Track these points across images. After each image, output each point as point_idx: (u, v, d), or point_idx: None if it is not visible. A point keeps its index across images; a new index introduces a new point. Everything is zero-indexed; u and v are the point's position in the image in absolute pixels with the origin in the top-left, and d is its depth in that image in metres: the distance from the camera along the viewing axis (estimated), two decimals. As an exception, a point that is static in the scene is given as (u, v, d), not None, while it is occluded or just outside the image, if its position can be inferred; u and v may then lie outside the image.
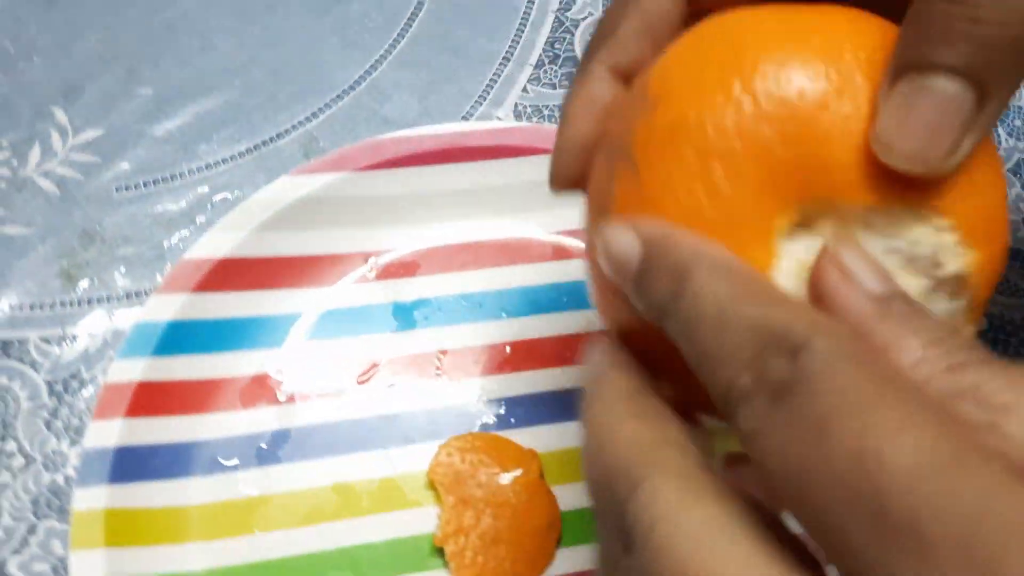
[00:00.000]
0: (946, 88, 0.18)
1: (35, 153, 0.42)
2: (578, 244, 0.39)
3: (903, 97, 0.19)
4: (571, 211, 0.39)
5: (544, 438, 0.36)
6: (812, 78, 0.19)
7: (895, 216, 0.20)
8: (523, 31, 0.46)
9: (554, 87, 0.44)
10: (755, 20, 0.21)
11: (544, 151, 0.39)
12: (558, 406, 0.37)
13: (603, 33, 0.24)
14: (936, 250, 0.20)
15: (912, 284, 0.20)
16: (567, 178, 0.25)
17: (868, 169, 0.19)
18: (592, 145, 0.24)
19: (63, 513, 0.35)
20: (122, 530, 0.33)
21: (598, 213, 0.23)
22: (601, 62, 0.24)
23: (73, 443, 0.36)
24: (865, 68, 0.20)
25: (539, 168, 0.38)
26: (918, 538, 0.13)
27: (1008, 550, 0.13)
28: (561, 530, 0.34)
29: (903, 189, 0.20)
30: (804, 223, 0.20)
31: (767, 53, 0.20)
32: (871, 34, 0.20)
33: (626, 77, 0.24)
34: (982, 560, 0.13)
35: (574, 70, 0.44)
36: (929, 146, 0.19)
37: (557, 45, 0.46)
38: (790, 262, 0.20)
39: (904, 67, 0.19)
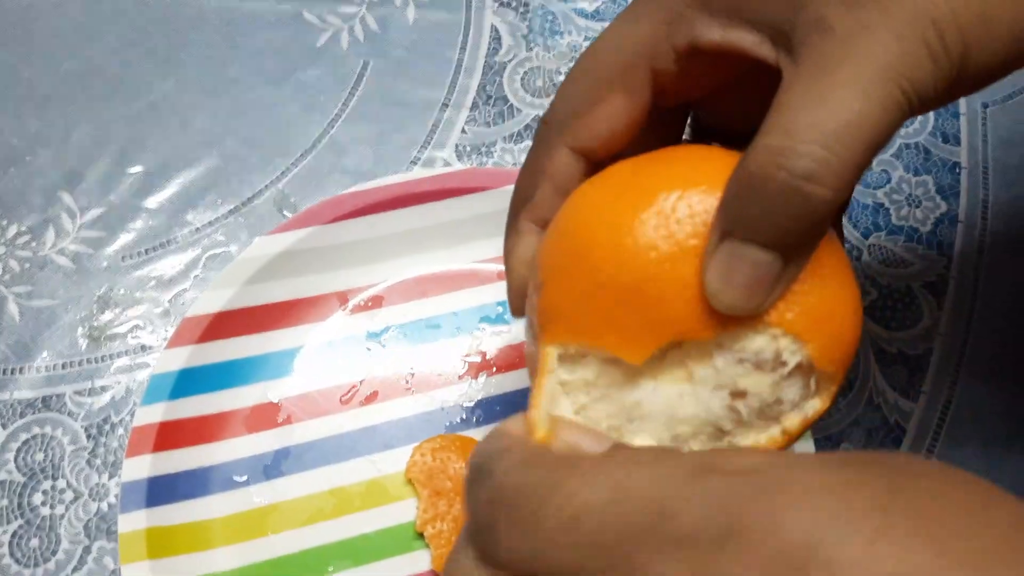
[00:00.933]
0: (757, 256, 0.22)
1: (50, 234, 0.46)
2: None
3: (725, 258, 0.22)
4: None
5: (501, 433, 0.42)
6: (646, 252, 0.23)
7: (738, 335, 0.24)
8: (457, 78, 0.51)
9: (488, 126, 0.50)
10: (599, 195, 0.26)
11: (480, 189, 0.44)
12: (511, 405, 0.42)
13: (522, 196, 0.30)
14: (776, 352, 0.24)
15: (765, 380, 0.24)
16: (520, 308, 0.30)
17: (705, 313, 0.23)
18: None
19: (111, 534, 0.40)
20: (160, 544, 0.38)
21: (530, 327, 0.27)
22: (526, 219, 0.29)
23: (111, 476, 0.41)
24: (698, 228, 0.23)
25: (478, 204, 0.44)
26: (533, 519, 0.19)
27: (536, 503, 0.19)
28: None
29: (736, 318, 0.23)
30: (664, 352, 0.24)
31: (606, 234, 0.24)
32: (710, 178, 0.24)
33: (546, 227, 0.29)
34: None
35: (504, 108, 0.50)
36: (746, 299, 0.23)
37: (488, 87, 0.50)
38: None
39: (725, 233, 0.22)
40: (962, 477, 0.19)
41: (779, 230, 0.22)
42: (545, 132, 0.29)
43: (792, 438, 0.26)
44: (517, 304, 0.30)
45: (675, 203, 0.24)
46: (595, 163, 0.29)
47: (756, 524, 0.17)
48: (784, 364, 0.24)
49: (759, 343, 0.24)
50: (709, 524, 0.18)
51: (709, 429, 0.25)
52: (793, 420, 0.25)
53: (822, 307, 0.24)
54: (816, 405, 0.25)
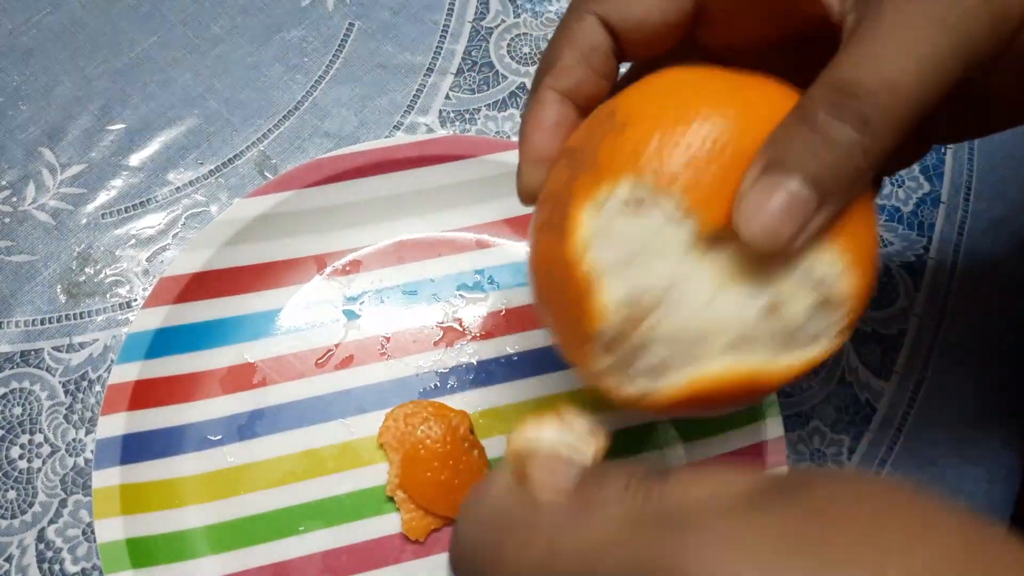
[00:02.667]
0: (795, 187, 0.23)
1: (31, 190, 0.46)
2: (494, 236, 0.45)
3: (765, 186, 0.23)
4: (488, 208, 0.45)
5: (474, 400, 0.42)
6: (739, 138, 0.24)
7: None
8: (443, 43, 0.50)
9: (473, 92, 0.49)
10: (703, 78, 0.26)
11: (462, 157, 0.44)
12: (485, 373, 0.43)
13: (547, 64, 0.29)
14: (824, 275, 0.24)
15: (804, 299, 0.24)
16: (532, 186, 0.28)
17: None
18: (549, 158, 0.28)
19: (87, 488, 0.41)
20: (134, 500, 0.39)
21: (553, 210, 0.26)
22: (549, 87, 0.28)
23: (88, 432, 0.42)
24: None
25: (459, 172, 0.44)
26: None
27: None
28: None
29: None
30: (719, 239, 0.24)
31: (710, 109, 0.24)
32: (781, 104, 0.24)
33: (570, 98, 0.28)
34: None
35: (490, 75, 0.50)
36: (775, 231, 0.23)
37: (474, 53, 0.50)
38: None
39: (772, 163, 0.23)
40: (902, 501, 0.19)
41: (821, 166, 0.23)
42: (578, 1, 0.29)
43: (795, 375, 0.26)
44: (528, 180, 0.29)
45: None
46: (621, 49, 0.28)
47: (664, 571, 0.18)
48: (826, 286, 0.24)
49: (811, 260, 0.24)
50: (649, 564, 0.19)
51: (731, 336, 0.25)
52: (805, 354, 0.26)
53: (867, 248, 0.25)
54: (828, 345, 0.26)
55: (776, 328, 0.25)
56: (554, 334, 0.28)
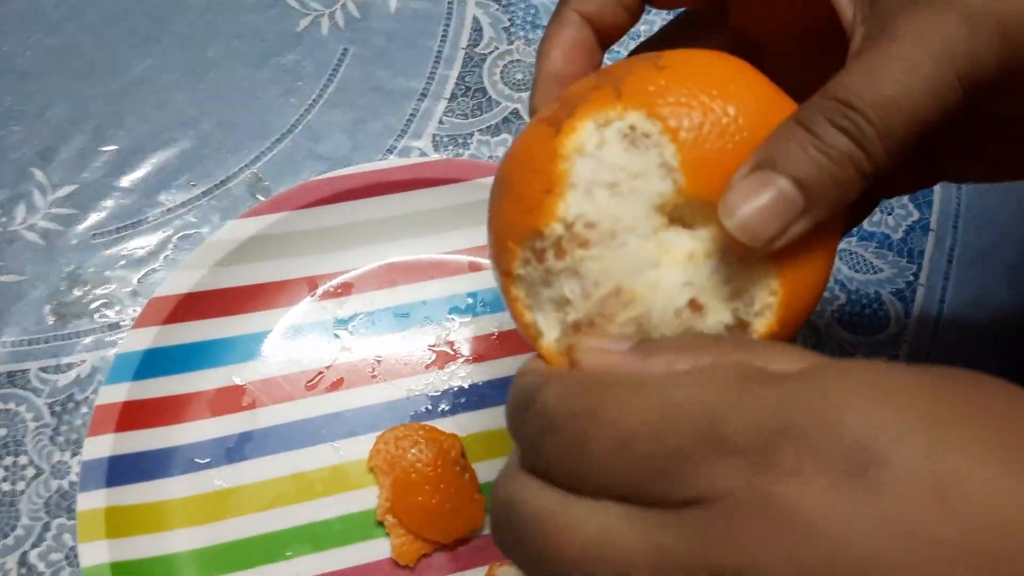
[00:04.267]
0: (786, 188, 0.23)
1: (20, 210, 0.46)
2: (487, 259, 0.44)
3: (755, 181, 0.23)
4: (481, 231, 0.45)
5: (465, 424, 0.42)
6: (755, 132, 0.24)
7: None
8: (437, 68, 0.51)
9: (466, 117, 0.50)
10: (746, 69, 0.26)
11: (455, 180, 0.44)
12: (477, 396, 0.43)
13: None
14: (752, 298, 0.25)
15: (724, 311, 0.25)
16: (544, 100, 0.29)
17: None
18: (564, 76, 0.29)
19: (71, 512, 0.40)
20: (119, 523, 0.38)
21: (560, 109, 0.26)
22: (572, 9, 0.29)
23: (74, 454, 0.41)
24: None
25: (452, 195, 0.45)
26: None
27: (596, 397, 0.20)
28: (486, 499, 0.39)
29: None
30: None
31: (748, 94, 0.25)
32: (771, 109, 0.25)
33: (591, 23, 0.29)
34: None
35: (483, 100, 0.50)
36: (757, 225, 0.23)
37: (468, 79, 0.51)
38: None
39: (765, 161, 0.23)
40: None
41: (812, 171, 0.23)
42: None
43: None
44: (541, 94, 0.29)
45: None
46: None
47: (812, 426, 0.18)
48: (747, 318, 0.25)
49: (752, 283, 0.25)
50: (762, 429, 0.18)
51: (639, 312, 0.25)
52: None
53: (803, 297, 0.25)
54: None
55: (681, 328, 0.25)
56: (496, 220, 0.27)
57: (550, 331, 0.26)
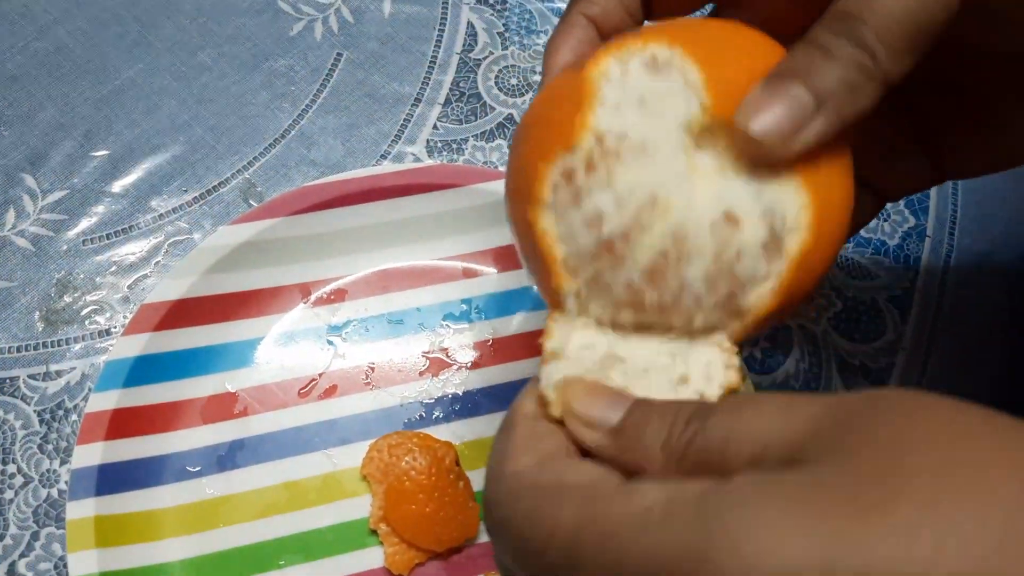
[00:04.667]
0: (797, 91, 0.24)
1: (10, 215, 0.46)
2: (482, 265, 0.45)
3: (768, 88, 0.24)
4: (476, 237, 0.45)
5: (460, 431, 0.42)
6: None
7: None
8: (431, 74, 0.50)
9: (460, 123, 0.49)
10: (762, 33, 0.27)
11: (449, 186, 0.44)
12: (471, 403, 0.42)
13: None
14: (786, 216, 0.25)
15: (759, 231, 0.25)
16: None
17: None
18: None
19: (60, 521, 0.40)
20: (109, 533, 0.38)
21: (583, 58, 0.27)
22: (580, 12, 0.30)
23: (63, 462, 0.41)
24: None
25: (446, 201, 0.44)
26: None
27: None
28: (480, 508, 0.39)
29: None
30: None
31: (765, 43, 0.26)
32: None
33: (597, 25, 0.30)
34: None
35: (477, 106, 0.50)
36: (774, 125, 0.24)
37: (462, 84, 0.50)
38: None
39: (777, 72, 0.25)
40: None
41: (820, 74, 0.24)
42: None
43: (743, 333, 0.26)
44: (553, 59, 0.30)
45: None
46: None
47: (719, 547, 0.18)
48: (781, 232, 0.25)
49: (779, 195, 0.25)
50: (681, 551, 0.19)
51: (673, 223, 0.25)
52: (746, 312, 0.26)
53: (832, 207, 0.26)
54: (766, 299, 0.26)
55: (718, 245, 0.25)
56: (521, 156, 0.27)
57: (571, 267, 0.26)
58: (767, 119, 0.24)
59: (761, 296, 0.25)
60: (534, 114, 0.28)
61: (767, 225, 0.25)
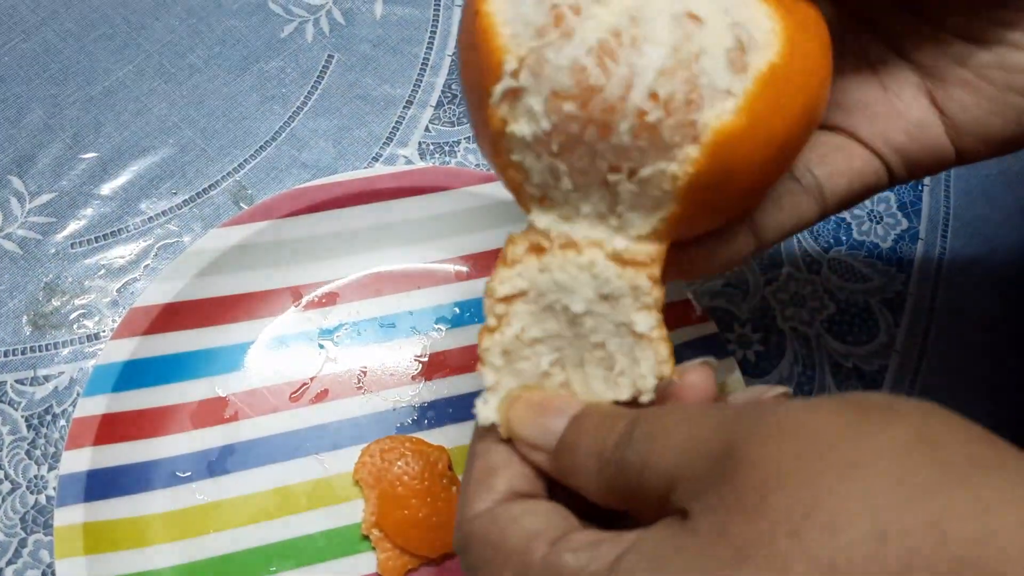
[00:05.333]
0: None
1: (-3, 218, 0.45)
2: (474, 268, 0.44)
3: None
4: (467, 240, 0.44)
5: (452, 435, 0.41)
6: None
7: None
8: (423, 75, 0.50)
9: (452, 125, 0.49)
10: None
11: (440, 188, 0.43)
12: (464, 407, 0.42)
13: None
14: (753, 25, 0.23)
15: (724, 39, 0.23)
16: None
17: None
18: None
19: (48, 527, 0.39)
20: (98, 539, 0.37)
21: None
22: None
23: (51, 468, 0.41)
24: None
25: (437, 203, 0.44)
26: None
27: None
28: None
29: None
30: None
31: None
32: None
33: None
34: None
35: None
36: None
37: (454, 86, 0.50)
38: None
39: None
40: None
41: None
42: None
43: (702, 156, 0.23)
44: None
45: None
46: None
47: None
48: (747, 43, 0.23)
49: (747, 14, 0.23)
50: None
51: (666, 16, 0.23)
52: (703, 130, 0.23)
53: (804, 33, 0.24)
54: (727, 118, 0.23)
55: (680, 38, 0.23)
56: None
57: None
58: None
59: (722, 114, 0.23)
60: None
61: (733, 36, 0.23)
